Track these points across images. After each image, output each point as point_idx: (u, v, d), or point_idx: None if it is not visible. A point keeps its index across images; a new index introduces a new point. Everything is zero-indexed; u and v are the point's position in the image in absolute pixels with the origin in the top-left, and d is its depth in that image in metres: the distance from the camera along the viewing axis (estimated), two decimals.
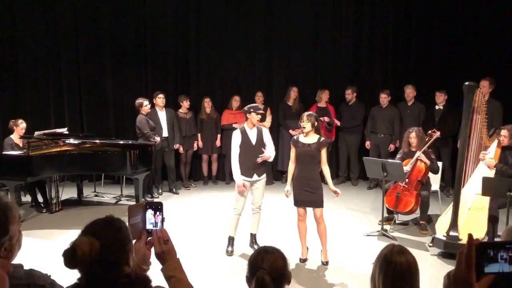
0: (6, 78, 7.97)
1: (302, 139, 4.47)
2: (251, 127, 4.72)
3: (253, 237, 4.89)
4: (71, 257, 1.41)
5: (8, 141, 6.32)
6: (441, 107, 6.91)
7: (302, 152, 4.42)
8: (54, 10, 7.94)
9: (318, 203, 4.43)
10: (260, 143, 4.70)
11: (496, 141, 5.06)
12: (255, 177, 4.70)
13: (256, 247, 4.74)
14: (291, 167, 4.55)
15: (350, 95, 7.61)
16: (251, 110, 4.67)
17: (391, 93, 7.47)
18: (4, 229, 1.49)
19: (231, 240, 4.82)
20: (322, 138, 4.45)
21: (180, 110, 7.53)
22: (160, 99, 7.10)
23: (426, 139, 5.46)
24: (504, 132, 4.98)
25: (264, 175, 4.81)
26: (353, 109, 7.66)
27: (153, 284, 1.58)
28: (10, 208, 1.52)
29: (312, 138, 4.43)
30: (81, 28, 7.99)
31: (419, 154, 5.34)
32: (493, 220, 4.73)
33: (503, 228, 4.58)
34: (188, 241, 5.14)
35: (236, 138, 4.70)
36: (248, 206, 4.87)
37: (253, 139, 4.69)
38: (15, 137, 6.37)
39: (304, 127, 4.41)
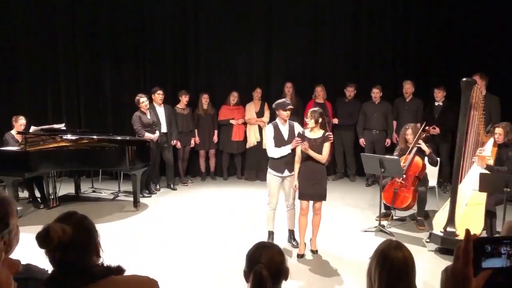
0: (4, 74, 7.93)
1: (308, 134, 4.53)
2: (283, 122, 4.74)
3: (290, 233, 4.93)
4: (44, 237, 1.50)
5: (8, 136, 6.39)
6: (441, 103, 6.91)
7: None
8: (52, 6, 7.90)
9: (321, 196, 4.54)
10: (293, 138, 4.66)
11: (492, 138, 5.07)
12: (286, 172, 4.70)
13: (294, 242, 4.83)
14: (298, 160, 4.57)
15: (353, 92, 7.59)
16: (279, 108, 4.69)
17: (390, 89, 7.45)
18: (5, 222, 1.52)
19: (271, 234, 4.86)
20: (328, 133, 4.52)
21: (178, 106, 7.52)
22: (159, 95, 7.08)
23: (424, 135, 5.46)
24: (498, 130, 4.97)
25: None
26: (350, 106, 7.61)
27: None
28: (9, 202, 1.57)
29: (318, 133, 4.50)
30: (79, 24, 7.96)
31: (420, 142, 5.35)
32: (490, 216, 4.75)
33: (500, 223, 4.60)
34: (187, 237, 5.16)
35: (269, 131, 4.75)
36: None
37: (285, 134, 4.70)
38: (14, 132, 6.42)
39: (307, 123, 4.49)
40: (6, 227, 1.53)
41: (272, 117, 7.74)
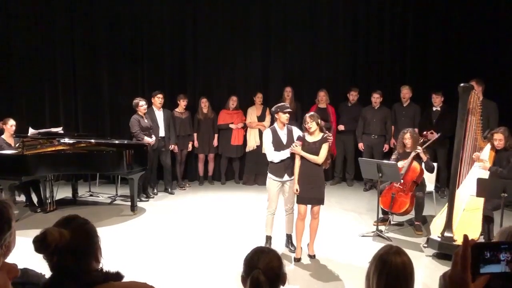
0: (1, 77, 7.91)
1: (308, 137, 4.55)
2: (281, 127, 4.72)
3: (288, 237, 4.92)
4: (41, 241, 1.48)
5: (0, 141, 6.28)
6: (438, 109, 6.92)
7: (307, 150, 4.49)
8: (50, 9, 7.90)
9: (320, 200, 4.55)
10: (291, 142, 4.64)
11: (489, 144, 5.08)
12: (286, 177, 4.68)
13: (291, 247, 4.82)
14: (297, 164, 4.56)
15: (356, 96, 7.61)
16: (278, 110, 4.68)
17: (387, 94, 7.46)
18: (9, 224, 1.52)
19: (268, 239, 4.86)
20: (326, 135, 4.53)
21: (177, 110, 7.52)
22: (158, 99, 7.07)
23: (421, 140, 5.47)
24: (498, 136, 4.98)
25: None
26: (353, 110, 7.62)
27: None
28: (10, 205, 1.56)
29: (317, 137, 4.52)
30: (77, 28, 7.96)
31: (419, 149, 5.35)
32: (488, 221, 4.75)
33: (498, 229, 4.60)
34: (184, 242, 5.15)
35: (267, 136, 4.73)
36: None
37: (284, 138, 4.69)
38: (5, 136, 6.33)
39: (310, 127, 4.49)
40: (10, 229, 1.54)
41: (273, 122, 7.75)
